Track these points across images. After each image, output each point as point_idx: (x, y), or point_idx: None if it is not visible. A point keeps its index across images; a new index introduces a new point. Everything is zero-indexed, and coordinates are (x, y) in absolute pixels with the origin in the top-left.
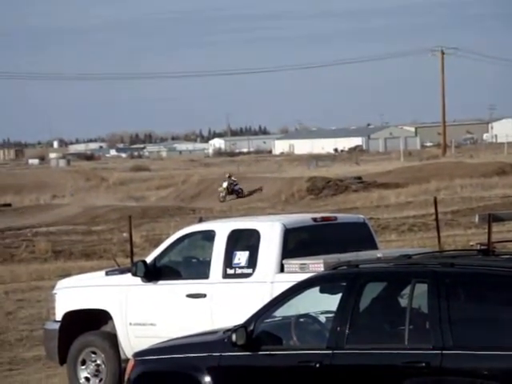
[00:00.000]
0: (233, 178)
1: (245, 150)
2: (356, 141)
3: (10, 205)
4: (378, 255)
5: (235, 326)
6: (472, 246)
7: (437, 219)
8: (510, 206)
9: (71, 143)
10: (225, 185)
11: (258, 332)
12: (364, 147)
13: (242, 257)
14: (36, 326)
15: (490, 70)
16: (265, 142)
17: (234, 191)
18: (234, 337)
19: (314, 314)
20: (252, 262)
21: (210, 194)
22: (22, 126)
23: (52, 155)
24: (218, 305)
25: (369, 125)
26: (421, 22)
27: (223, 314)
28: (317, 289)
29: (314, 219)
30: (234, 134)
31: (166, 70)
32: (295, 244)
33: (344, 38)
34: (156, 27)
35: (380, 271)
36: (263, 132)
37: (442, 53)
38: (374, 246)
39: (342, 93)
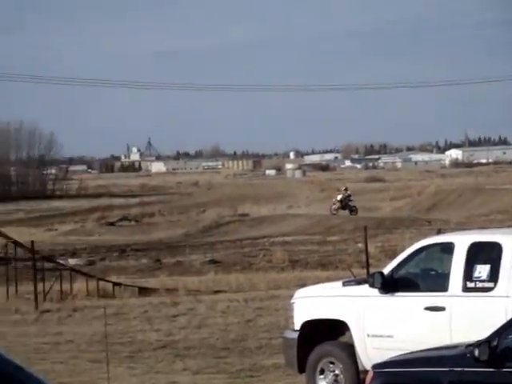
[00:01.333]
0: (349, 193)
1: (483, 160)
2: None
3: (247, 215)
4: None
5: (478, 341)
6: None
7: None
8: None
9: (307, 154)
10: (339, 197)
11: (501, 348)
12: None
13: (482, 270)
14: (274, 334)
15: None
16: (505, 153)
17: (347, 206)
18: (476, 352)
19: None
20: (493, 276)
21: (446, 205)
22: (260, 137)
23: (288, 166)
24: (458, 319)
25: None
26: None
27: (462, 328)
28: None
29: None
30: (472, 144)
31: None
32: None
33: None
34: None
35: None
36: (503, 142)
37: None
38: None
39: None
